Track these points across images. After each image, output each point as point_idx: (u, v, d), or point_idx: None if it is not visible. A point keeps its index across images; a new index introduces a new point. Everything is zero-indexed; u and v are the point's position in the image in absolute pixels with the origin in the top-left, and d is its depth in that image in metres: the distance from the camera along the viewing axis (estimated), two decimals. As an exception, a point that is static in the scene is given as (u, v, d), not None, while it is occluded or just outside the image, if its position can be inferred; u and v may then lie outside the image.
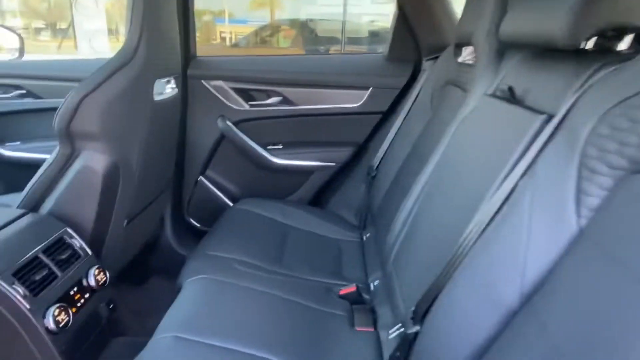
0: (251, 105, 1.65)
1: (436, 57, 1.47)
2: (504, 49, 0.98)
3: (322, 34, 8.29)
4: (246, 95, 1.65)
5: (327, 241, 1.46)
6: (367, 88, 1.61)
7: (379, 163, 1.52)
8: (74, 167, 1.02)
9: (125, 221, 1.20)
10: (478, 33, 1.06)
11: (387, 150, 1.51)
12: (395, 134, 1.50)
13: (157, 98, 1.16)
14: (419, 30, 1.53)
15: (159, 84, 1.16)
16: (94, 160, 1.02)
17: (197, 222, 1.78)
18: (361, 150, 1.68)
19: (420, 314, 0.74)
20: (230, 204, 1.75)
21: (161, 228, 1.66)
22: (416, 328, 0.74)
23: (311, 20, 8.20)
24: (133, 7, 1.02)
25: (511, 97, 0.79)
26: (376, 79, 1.62)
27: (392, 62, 1.64)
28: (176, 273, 1.55)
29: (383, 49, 1.70)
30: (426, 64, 1.53)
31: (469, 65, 1.15)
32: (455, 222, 0.78)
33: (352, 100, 1.63)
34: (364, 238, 1.48)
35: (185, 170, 1.70)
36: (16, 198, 1.38)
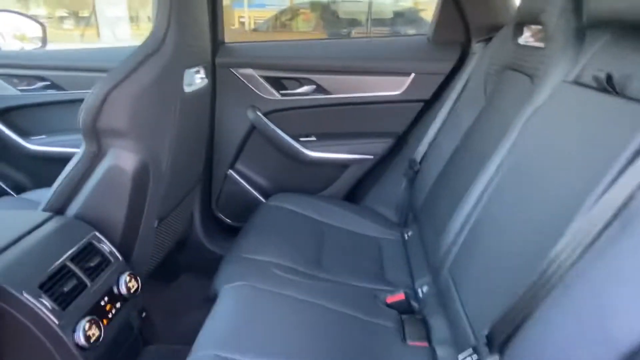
0: (283, 95, 1.54)
1: (488, 39, 1.33)
2: (584, 28, 0.84)
3: (344, 16, 8.07)
4: (277, 83, 1.54)
5: (366, 240, 1.37)
6: (408, 74, 1.48)
7: (423, 156, 1.40)
8: (101, 167, 0.94)
9: (156, 222, 1.12)
10: (549, 10, 0.92)
11: (431, 142, 1.39)
12: (441, 125, 1.37)
13: (187, 89, 1.07)
14: (469, 8, 1.39)
15: (188, 74, 1.07)
16: (122, 159, 0.94)
17: (226, 217, 1.71)
18: (401, 141, 1.56)
19: (499, 342, 0.64)
20: (261, 198, 1.67)
21: (190, 224, 1.59)
22: (494, 358, 0.64)
23: (333, 2, 7.98)
24: None
25: (609, 85, 0.66)
26: (419, 64, 1.49)
27: (437, 45, 1.50)
28: (206, 270, 1.48)
29: (427, 30, 1.55)
30: (476, 47, 1.39)
31: (534, 47, 1.01)
32: (539, 233, 0.67)
33: (392, 87, 1.50)
34: (406, 237, 1.38)
35: (214, 164, 1.62)
36: (43, 194, 1.33)
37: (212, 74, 1.44)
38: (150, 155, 0.98)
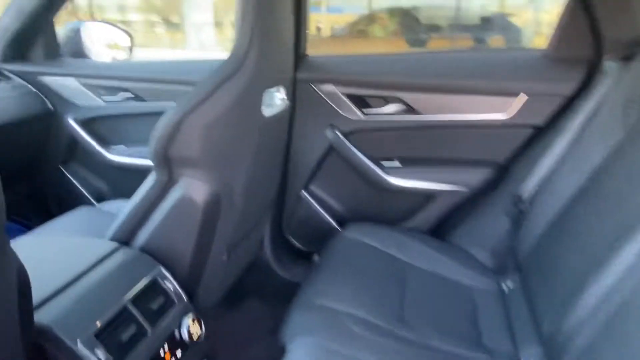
0: (366, 114, 1.39)
1: (626, 57, 1.07)
2: None
3: (425, 22, 7.79)
4: (361, 101, 1.40)
5: (455, 287, 1.17)
6: (517, 94, 1.26)
7: (532, 194, 1.17)
8: (171, 197, 0.86)
9: (226, 254, 1.03)
10: None
11: (544, 177, 1.16)
12: (559, 158, 1.14)
13: (266, 112, 0.96)
14: (604, 18, 1.13)
15: (268, 95, 0.96)
16: (193, 189, 0.85)
17: (297, 241, 1.60)
18: (502, 173, 1.34)
19: None
20: (334, 224, 1.53)
21: (259, 246, 1.50)
22: None
23: (415, 7, 7.71)
24: (244, 2, 0.81)
25: None
26: (532, 84, 1.26)
27: (557, 61, 1.25)
28: (273, 295, 1.38)
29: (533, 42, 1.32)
30: (609, 65, 1.14)
31: None
32: None
33: (496, 109, 1.29)
34: (504, 288, 1.16)
35: (287, 184, 1.51)
36: (119, 205, 1.30)
37: (292, 89, 1.33)
38: (222, 185, 0.89)
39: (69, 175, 1.71)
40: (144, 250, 0.89)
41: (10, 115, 1.48)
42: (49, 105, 1.59)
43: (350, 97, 1.39)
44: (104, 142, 1.62)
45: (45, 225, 1.21)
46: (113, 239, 0.91)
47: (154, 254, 0.88)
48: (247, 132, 0.90)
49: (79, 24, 1.70)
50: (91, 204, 1.71)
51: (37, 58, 1.57)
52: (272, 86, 0.98)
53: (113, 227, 0.92)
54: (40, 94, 1.56)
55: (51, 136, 1.63)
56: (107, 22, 1.81)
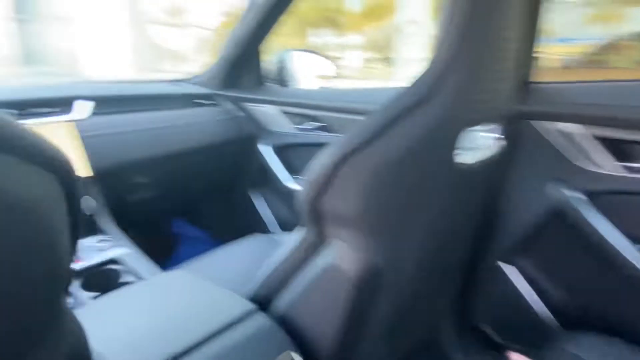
0: (628, 169, 0.92)
1: None
2: None
3: None
4: (617, 150, 0.94)
5: None
6: None
7: None
8: (318, 263, 0.66)
9: (383, 344, 0.76)
10: None
11: None
12: None
13: (462, 160, 0.66)
14: None
15: (469, 135, 0.66)
16: (345, 256, 0.63)
17: (488, 327, 1.20)
18: None
19: None
20: (549, 317, 1.08)
21: (434, 326, 1.18)
22: None
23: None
24: (452, 11, 0.56)
25: None
26: None
27: None
28: None
29: None
30: None
31: None
32: None
33: None
34: None
35: (482, 251, 1.15)
36: (292, 237, 1.20)
37: (509, 127, 0.98)
38: (386, 255, 0.63)
39: (255, 199, 1.74)
40: (280, 320, 0.70)
41: (218, 137, 1.59)
42: (250, 130, 1.65)
43: (603, 141, 0.94)
44: (292, 170, 1.59)
45: (218, 250, 1.19)
46: (252, 298, 0.75)
47: (290, 329, 0.69)
48: (431, 186, 0.63)
49: (286, 53, 1.74)
50: (270, 231, 1.70)
51: (246, 85, 1.66)
52: (476, 123, 0.68)
53: (255, 283, 0.77)
54: (244, 118, 1.64)
55: (247, 159, 1.70)
56: (313, 51, 1.81)
